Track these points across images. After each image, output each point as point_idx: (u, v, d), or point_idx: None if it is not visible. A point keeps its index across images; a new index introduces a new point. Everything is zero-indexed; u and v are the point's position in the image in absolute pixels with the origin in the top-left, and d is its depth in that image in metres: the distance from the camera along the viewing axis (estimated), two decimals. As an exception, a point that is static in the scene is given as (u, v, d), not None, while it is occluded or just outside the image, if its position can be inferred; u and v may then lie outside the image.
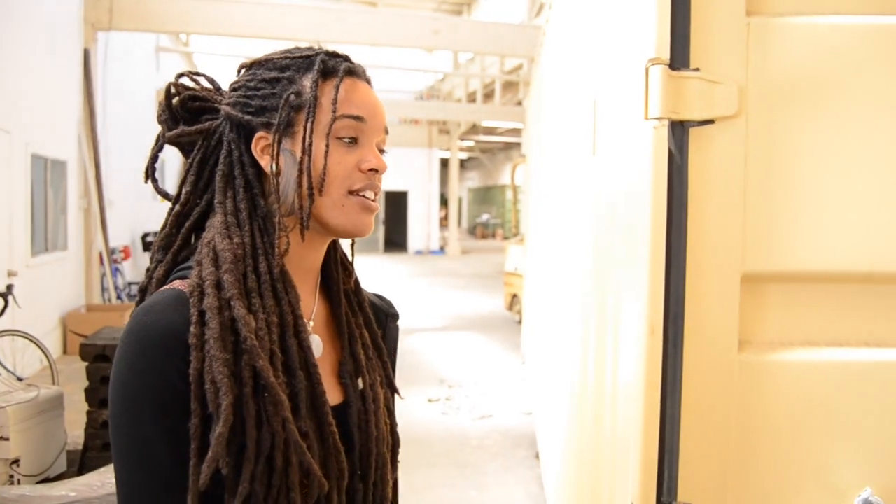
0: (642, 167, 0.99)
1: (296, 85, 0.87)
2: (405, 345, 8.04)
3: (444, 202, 24.50)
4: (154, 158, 0.95)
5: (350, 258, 1.02)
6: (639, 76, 0.98)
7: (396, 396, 1.03)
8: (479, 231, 30.07)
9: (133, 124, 9.39)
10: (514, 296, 9.08)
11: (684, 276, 0.97)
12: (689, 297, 0.98)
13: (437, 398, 5.94)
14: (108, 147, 8.30)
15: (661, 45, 0.95)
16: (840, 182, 0.98)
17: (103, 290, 8.21)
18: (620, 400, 1.13)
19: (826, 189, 0.98)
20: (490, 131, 22.29)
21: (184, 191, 0.91)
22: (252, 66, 0.92)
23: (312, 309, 0.94)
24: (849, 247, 0.98)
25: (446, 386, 6.36)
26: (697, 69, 0.96)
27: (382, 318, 1.08)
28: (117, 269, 8.64)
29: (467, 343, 8.37)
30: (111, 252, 8.27)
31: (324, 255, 0.95)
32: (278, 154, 0.86)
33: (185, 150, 0.94)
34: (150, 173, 0.96)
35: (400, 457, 1.01)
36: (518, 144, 21.52)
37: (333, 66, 0.88)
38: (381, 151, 0.92)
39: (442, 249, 21.66)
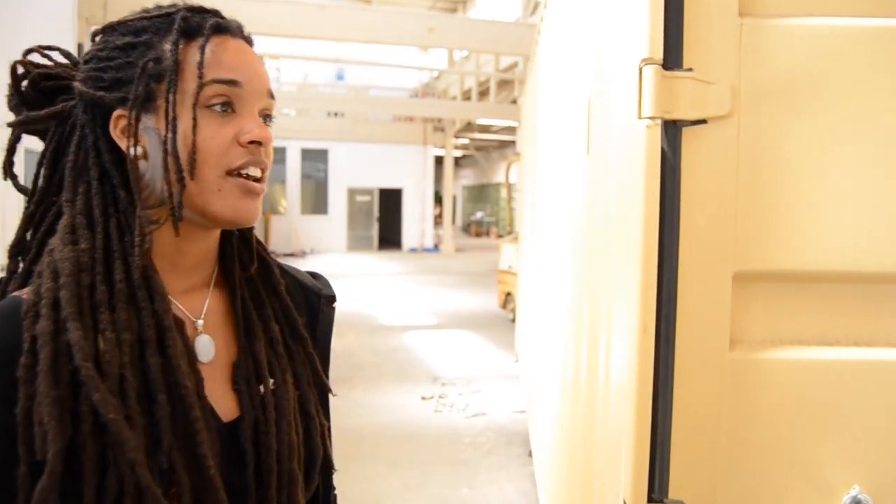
0: (635, 166, 0.99)
1: (154, 50, 0.73)
2: (399, 342, 8.05)
3: (438, 200, 24.48)
4: (10, 152, 0.81)
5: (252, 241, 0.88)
6: (632, 76, 0.99)
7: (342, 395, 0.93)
8: (474, 229, 30.06)
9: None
10: (508, 294, 9.09)
11: (676, 274, 0.98)
12: (681, 295, 0.98)
13: (430, 396, 5.95)
14: (101, 143, 8.26)
15: (654, 45, 0.95)
16: (831, 181, 0.98)
17: (96, 286, 8.18)
18: (612, 398, 1.13)
19: (817, 188, 0.98)
20: (485, 129, 22.29)
21: (38, 188, 0.78)
22: (104, 31, 0.78)
23: (203, 307, 0.81)
24: (840, 246, 0.99)
25: (439, 384, 6.36)
26: (690, 69, 0.96)
27: (314, 300, 0.93)
28: (110, 266, 8.61)
29: (461, 341, 8.38)
30: (104, 248, 8.23)
31: (217, 244, 0.83)
32: (136, 133, 0.72)
33: (44, 139, 0.81)
34: (7, 169, 0.83)
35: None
36: (513, 142, 21.53)
37: (198, 24, 0.75)
38: (268, 119, 0.78)
39: (436, 247, 21.64)
